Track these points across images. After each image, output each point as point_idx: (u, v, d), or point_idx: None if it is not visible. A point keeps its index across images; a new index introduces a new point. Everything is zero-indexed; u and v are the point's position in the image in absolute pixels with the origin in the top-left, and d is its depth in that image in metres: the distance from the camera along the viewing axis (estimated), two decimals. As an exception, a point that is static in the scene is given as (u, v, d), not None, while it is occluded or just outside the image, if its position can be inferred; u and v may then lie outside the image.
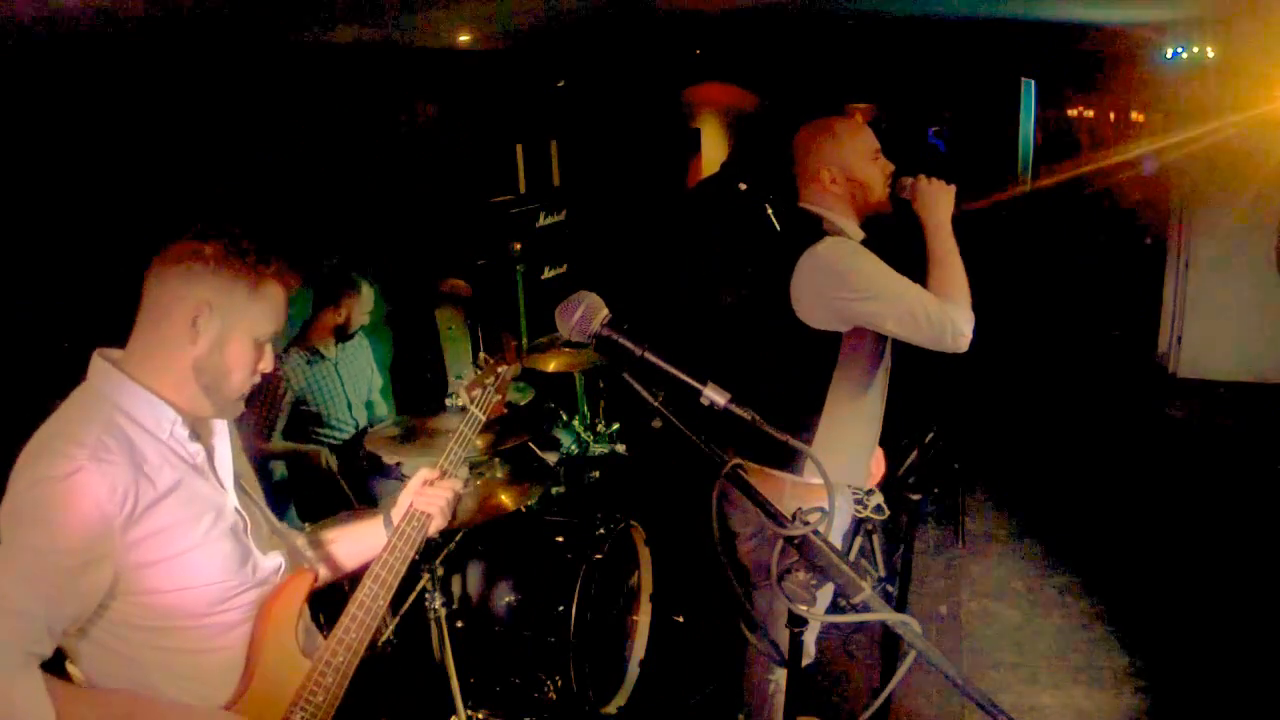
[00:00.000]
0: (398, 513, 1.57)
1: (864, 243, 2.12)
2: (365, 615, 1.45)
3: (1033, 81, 8.05)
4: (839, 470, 1.87)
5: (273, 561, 1.44)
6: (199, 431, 1.39)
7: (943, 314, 1.93)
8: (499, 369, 1.78)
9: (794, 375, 2.07)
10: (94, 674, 1.31)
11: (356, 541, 1.63)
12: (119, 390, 1.31)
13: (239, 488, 1.43)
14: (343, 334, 3.39)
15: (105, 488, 1.22)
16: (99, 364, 1.33)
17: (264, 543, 1.45)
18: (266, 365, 1.40)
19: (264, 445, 3.18)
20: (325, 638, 1.45)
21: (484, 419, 1.69)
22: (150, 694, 1.31)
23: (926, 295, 1.96)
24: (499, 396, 1.75)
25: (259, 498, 1.52)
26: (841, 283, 1.96)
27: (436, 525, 1.56)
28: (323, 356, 3.34)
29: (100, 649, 1.29)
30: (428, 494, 1.56)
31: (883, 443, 2.32)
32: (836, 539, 1.27)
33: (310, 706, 1.39)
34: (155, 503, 1.27)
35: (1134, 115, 8.64)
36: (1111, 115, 9.72)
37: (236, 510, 1.40)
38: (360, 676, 1.45)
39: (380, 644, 2.63)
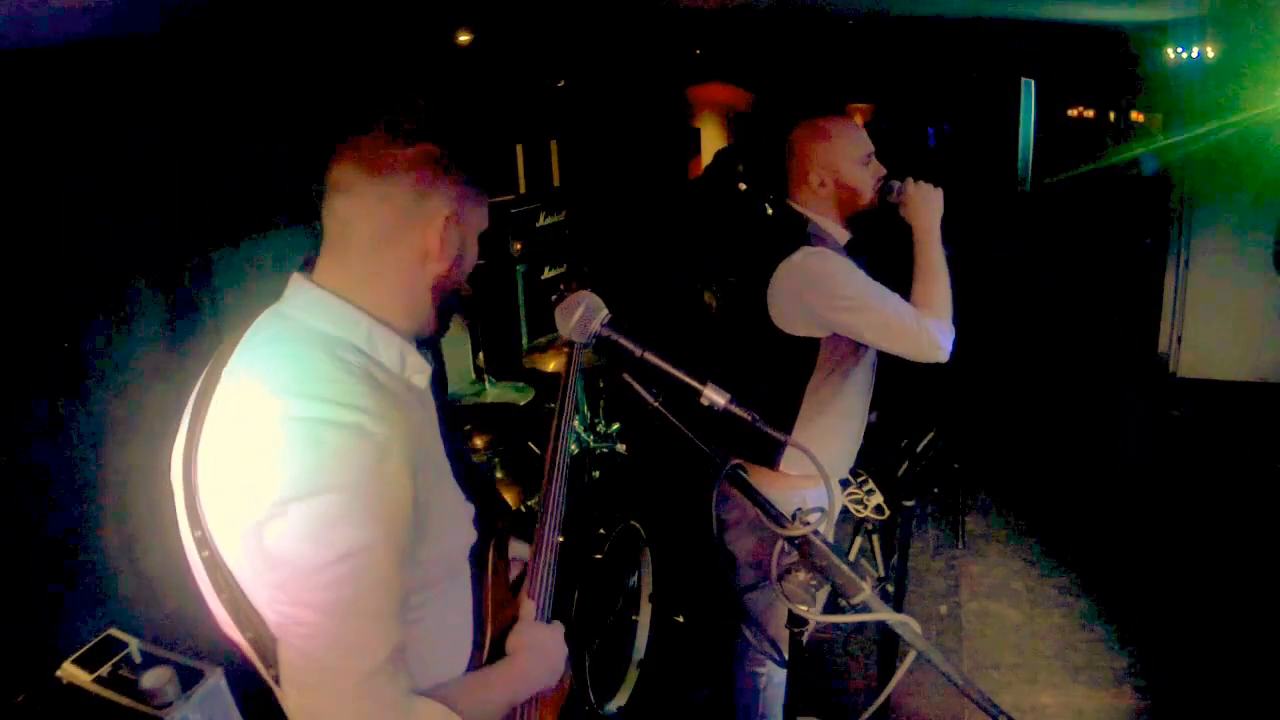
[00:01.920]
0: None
1: (850, 244, 2.13)
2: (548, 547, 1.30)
3: (1033, 81, 8.04)
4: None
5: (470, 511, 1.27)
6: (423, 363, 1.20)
7: (920, 325, 1.94)
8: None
9: (770, 376, 2.08)
10: None
11: None
12: (353, 329, 1.10)
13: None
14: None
15: (402, 455, 1.02)
16: (317, 294, 1.11)
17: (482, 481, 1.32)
18: (474, 258, 1.24)
19: None
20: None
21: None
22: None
23: (904, 306, 1.97)
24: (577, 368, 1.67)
25: None
26: (818, 291, 1.97)
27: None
28: None
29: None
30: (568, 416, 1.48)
31: (883, 444, 2.32)
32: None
33: (543, 591, 1.27)
34: (422, 454, 1.08)
35: (1134, 115, 8.64)
36: (1111, 115, 9.71)
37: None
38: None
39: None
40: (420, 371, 1.17)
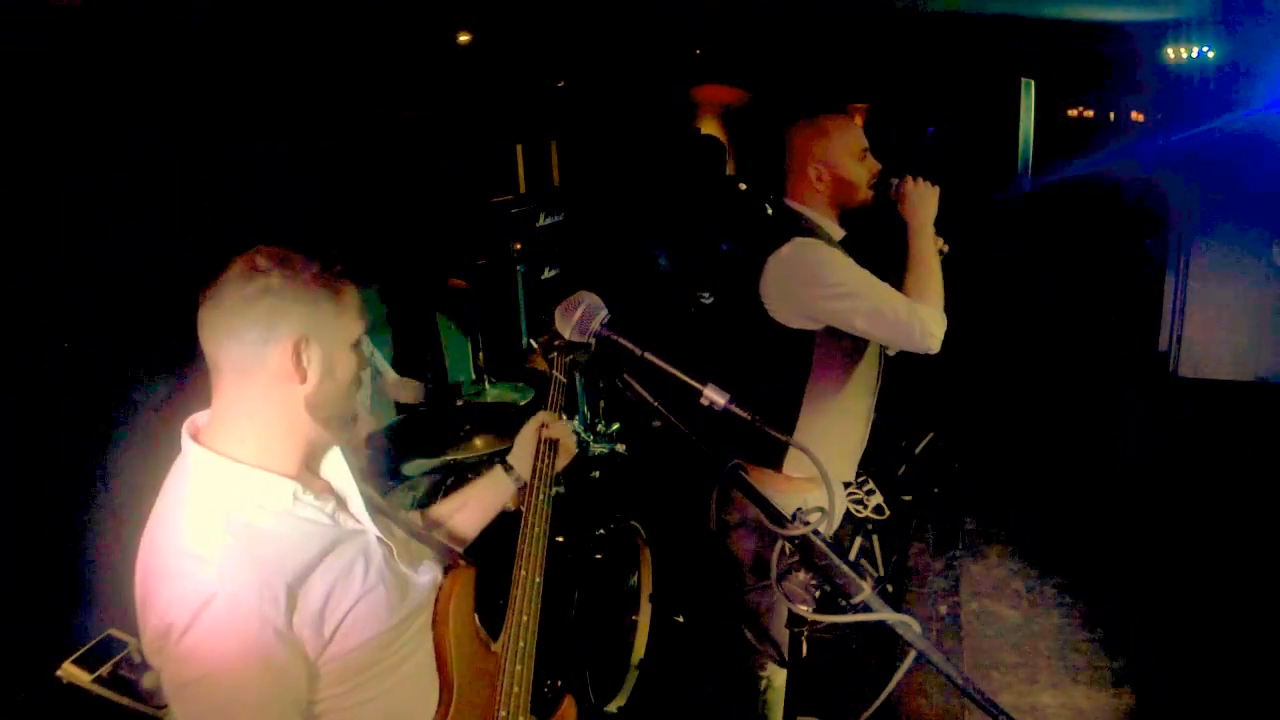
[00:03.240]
0: (520, 454, 1.63)
1: (844, 241, 2.13)
2: (530, 588, 1.44)
3: (1033, 81, 8.04)
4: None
5: (426, 575, 1.38)
6: (318, 478, 1.29)
7: (912, 313, 1.94)
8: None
9: (769, 375, 2.08)
10: None
11: (483, 496, 1.65)
12: (233, 482, 1.17)
13: (371, 510, 1.31)
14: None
15: (251, 599, 1.10)
16: (199, 454, 1.19)
17: (412, 556, 1.37)
18: (365, 365, 1.30)
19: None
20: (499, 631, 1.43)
21: (565, 381, 1.79)
22: None
23: (896, 294, 1.98)
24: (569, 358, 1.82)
25: (388, 505, 1.43)
26: (809, 281, 1.97)
27: (563, 461, 1.65)
28: None
29: None
30: (556, 426, 1.65)
31: (883, 444, 2.32)
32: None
33: (512, 702, 1.37)
34: (304, 580, 1.16)
35: (1134, 115, 8.64)
36: (1111, 115, 9.72)
37: (379, 540, 1.29)
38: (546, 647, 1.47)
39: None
40: (315, 505, 1.22)
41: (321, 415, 1.21)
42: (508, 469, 1.65)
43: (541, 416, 1.68)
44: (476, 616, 1.46)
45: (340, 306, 1.21)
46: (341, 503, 1.28)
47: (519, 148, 6.57)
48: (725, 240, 4.17)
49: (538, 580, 1.47)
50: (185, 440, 1.20)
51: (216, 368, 1.18)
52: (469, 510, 1.65)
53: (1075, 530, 3.98)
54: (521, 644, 1.40)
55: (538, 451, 1.62)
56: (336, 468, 1.30)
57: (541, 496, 1.55)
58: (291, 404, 1.19)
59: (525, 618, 1.43)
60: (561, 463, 1.65)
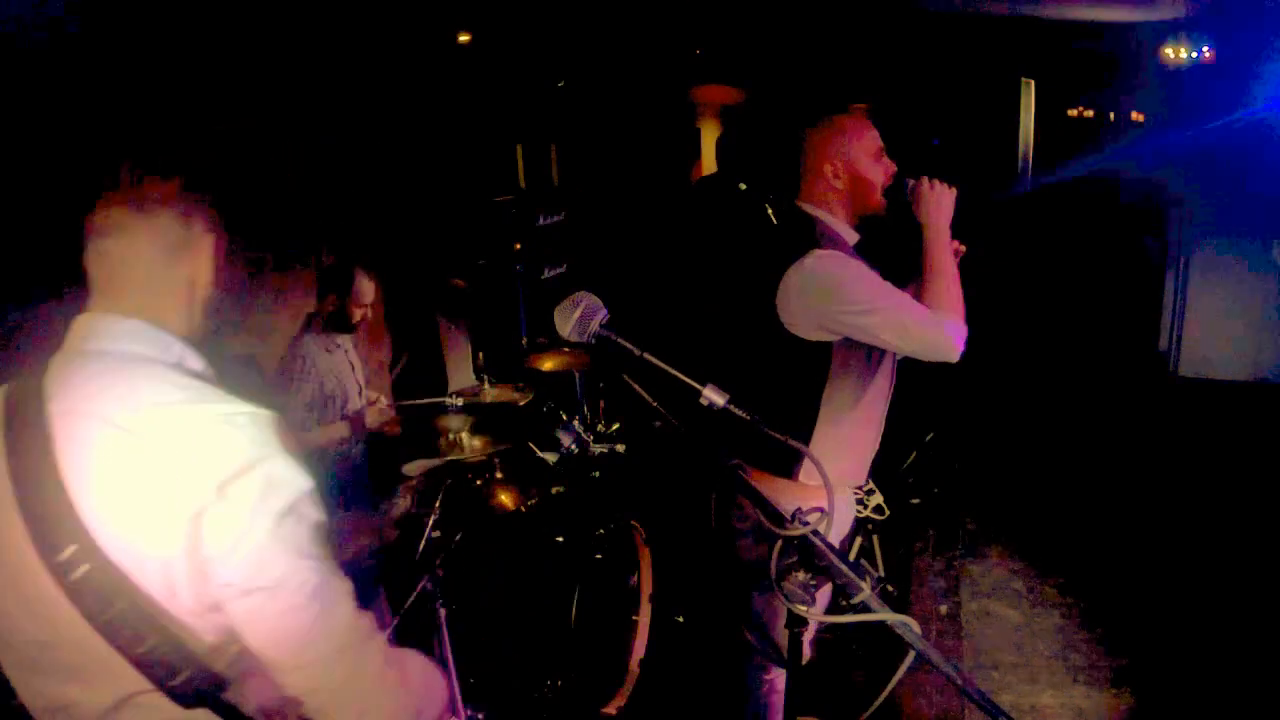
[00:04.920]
0: None
1: (858, 245, 2.10)
2: None
3: (1033, 81, 8.04)
4: (837, 475, 1.86)
5: None
6: None
7: (935, 325, 1.92)
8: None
9: (786, 386, 2.05)
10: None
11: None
12: (175, 351, 1.19)
13: None
14: (344, 325, 3.39)
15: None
16: (127, 325, 1.16)
17: None
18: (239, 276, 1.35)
19: (301, 435, 3.18)
20: None
21: None
22: None
23: (919, 306, 1.94)
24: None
25: None
26: (832, 296, 1.94)
27: None
28: (337, 344, 3.35)
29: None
30: None
31: (883, 443, 2.31)
32: (835, 541, 1.27)
33: None
34: None
35: (1134, 115, 8.64)
36: (1111, 115, 9.72)
37: None
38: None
39: None
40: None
41: (214, 312, 1.25)
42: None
43: None
44: None
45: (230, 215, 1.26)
46: None
47: (519, 148, 6.57)
48: (734, 244, 4.16)
49: None
50: (95, 320, 1.16)
51: (125, 264, 1.18)
52: None
53: (1075, 530, 3.98)
54: None
55: None
56: None
57: None
58: (197, 300, 1.23)
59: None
60: None
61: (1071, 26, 5.07)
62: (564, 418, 3.31)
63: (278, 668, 1.08)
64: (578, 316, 1.24)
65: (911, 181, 2.08)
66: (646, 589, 3.11)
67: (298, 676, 1.09)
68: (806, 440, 2.03)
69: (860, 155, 2.06)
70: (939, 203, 2.04)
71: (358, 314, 3.41)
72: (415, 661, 1.27)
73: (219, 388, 1.16)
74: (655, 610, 3.14)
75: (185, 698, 1.05)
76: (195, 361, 1.20)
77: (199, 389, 1.12)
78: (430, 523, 2.49)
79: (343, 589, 1.11)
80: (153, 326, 1.16)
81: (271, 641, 1.06)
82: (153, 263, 1.17)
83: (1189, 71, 5.38)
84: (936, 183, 2.07)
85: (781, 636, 1.35)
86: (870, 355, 2.05)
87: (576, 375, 3.56)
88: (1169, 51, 5.18)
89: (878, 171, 2.08)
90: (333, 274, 3.35)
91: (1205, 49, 4.87)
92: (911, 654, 1.15)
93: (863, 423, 2.13)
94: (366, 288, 3.40)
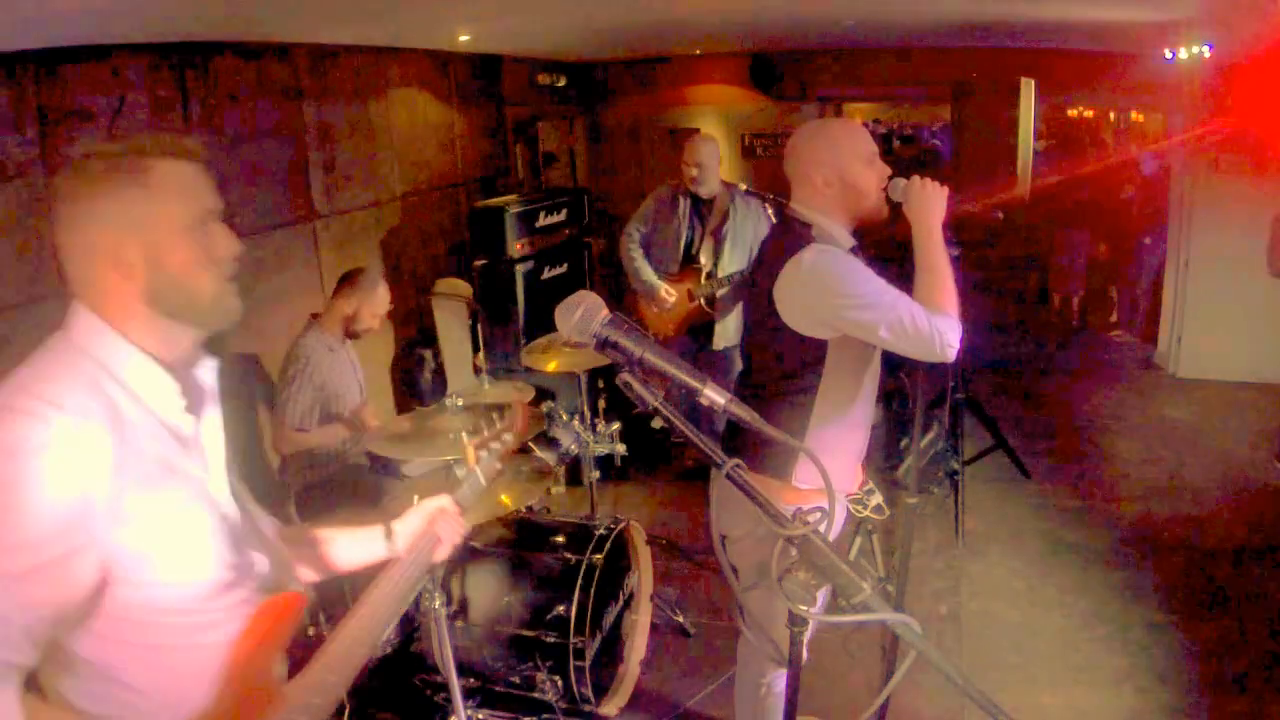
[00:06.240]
0: (405, 530, 1.54)
1: (852, 250, 2.09)
2: (360, 647, 1.33)
3: (1033, 81, 8.04)
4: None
5: (263, 562, 1.30)
6: (189, 401, 1.20)
7: (930, 324, 1.91)
8: (504, 436, 1.77)
9: (781, 384, 2.06)
10: (58, 669, 1.13)
11: (353, 545, 1.54)
12: (106, 346, 1.12)
13: (230, 472, 1.28)
14: (355, 332, 3.39)
15: (88, 459, 1.03)
16: (81, 313, 1.13)
17: (255, 540, 1.32)
18: (228, 245, 1.19)
19: (300, 434, 3.18)
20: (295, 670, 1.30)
21: (484, 484, 1.69)
22: (120, 691, 1.14)
23: (915, 305, 1.94)
24: (499, 466, 1.74)
25: (244, 489, 1.37)
26: (829, 290, 1.94)
27: (443, 554, 1.56)
28: (339, 344, 3.35)
29: (70, 642, 1.10)
30: (451, 522, 1.56)
31: (884, 442, 2.31)
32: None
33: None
34: (145, 479, 1.09)
35: (1134, 115, 8.64)
36: (1111, 115, 9.72)
37: (230, 497, 1.26)
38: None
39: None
40: (168, 396, 1.16)
41: (167, 307, 1.15)
42: (388, 534, 1.54)
43: (442, 503, 1.58)
44: (282, 653, 1.30)
45: (151, 191, 1.12)
46: (198, 434, 1.22)
47: (519, 148, 6.57)
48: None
49: (361, 651, 1.35)
50: (74, 305, 1.14)
51: (67, 258, 1.13)
52: (335, 546, 1.54)
53: (1076, 530, 3.98)
54: (318, 700, 1.27)
55: (421, 539, 1.52)
56: (211, 408, 1.26)
57: (400, 586, 1.45)
58: (135, 301, 1.13)
59: (333, 678, 1.30)
60: (440, 556, 1.55)
61: (1072, 26, 5.07)
62: (564, 418, 3.30)
63: None
64: (578, 316, 1.24)
65: (903, 181, 2.07)
66: (646, 589, 3.11)
67: None
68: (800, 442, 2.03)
69: (849, 160, 2.05)
70: (930, 201, 2.04)
71: (374, 322, 3.40)
72: None
73: (100, 392, 1.09)
74: (655, 610, 3.14)
75: None
76: (133, 373, 1.14)
77: (41, 383, 1.07)
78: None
79: None
80: (102, 324, 1.14)
81: None
82: (77, 262, 1.15)
83: (1189, 71, 5.38)
84: (928, 181, 2.06)
85: (781, 636, 1.35)
86: (862, 356, 2.05)
87: (579, 376, 3.56)
88: (1169, 51, 5.18)
89: (870, 176, 2.07)
90: (353, 281, 3.35)
91: (1206, 49, 4.87)
92: (911, 654, 1.15)
93: (853, 426, 2.14)
94: (384, 297, 3.40)
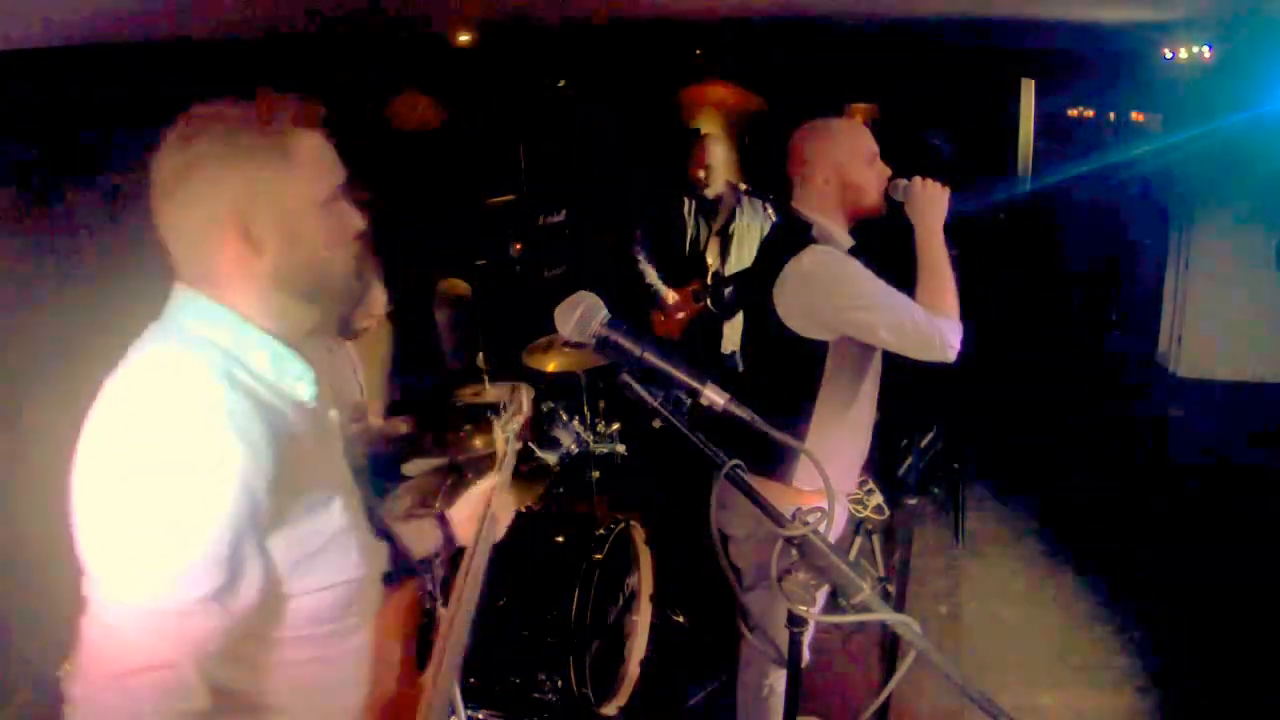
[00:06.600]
0: (460, 515, 1.57)
1: (851, 250, 2.09)
2: (456, 638, 1.32)
3: (1033, 81, 8.03)
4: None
5: (384, 551, 1.23)
6: (320, 388, 1.12)
7: (931, 325, 1.92)
8: (517, 417, 1.86)
9: (781, 386, 2.06)
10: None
11: (417, 537, 1.53)
12: (231, 332, 1.02)
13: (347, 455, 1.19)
14: (348, 333, 3.38)
15: (250, 464, 0.93)
16: (191, 297, 1.03)
17: (378, 525, 1.26)
18: (358, 222, 1.10)
19: None
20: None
21: (514, 462, 1.80)
22: (269, 711, 1.07)
23: (915, 306, 1.94)
24: (519, 444, 1.86)
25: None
26: (830, 292, 1.94)
27: (502, 530, 1.60)
28: (340, 344, 3.34)
29: (219, 665, 0.99)
30: (505, 499, 1.60)
31: (884, 442, 2.31)
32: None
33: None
34: (293, 481, 1.00)
35: (1134, 115, 8.62)
36: (1111, 115, 9.70)
37: (354, 482, 1.18)
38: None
39: None
40: (300, 379, 1.09)
41: (298, 289, 1.06)
42: (442, 522, 1.54)
43: (493, 483, 1.61)
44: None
45: (292, 163, 1.03)
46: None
47: (519, 148, 6.56)
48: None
49: (464, 640, 1.34)
50: (178, 290, 1.05)
51: (170, 244, 1.04)
52: (401, 540, 1.52)
53: (1076, 530, 3.98)
54: (443, 683, 1.26)
55: (483, 520, 1.54)
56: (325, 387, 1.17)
57: (480, 564, 1.48)
58: (260, 279, 1.04)
59: (449, 663, 1.28)
60: (500, 532, 1.60)
61: (1072, 27, 5.08)
62: (564, 418, 3.31)
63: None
64: (578, 316, 1.24)
65: (904, 182, 2.08)
66: (646, 589, 3.11)
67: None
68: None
69: (849, 160, 2.05)
70: (931, 202, 2.04)
71: (369, 323, 3.39)
72: None
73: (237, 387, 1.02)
74: (655, 610, 3.14)
75: None
76: (257, 354, 1.06)
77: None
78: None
79: None
80: (214, 303, 1.06)
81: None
82: (194, 241, 1.06)
83: (1189, 71, 5.37)
84: (929, 182, 2.06)
85: (781, 636, 1.35)
86: (862, 358, 2.05)
87: (581, 375, 3.56)
88: (1169, 51, 5.18)
89: (870, 176, 2.07)
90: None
91: (1206, 49, 4.87)
92: (911, 654, 1.15)
93: (853, 428, 2.13)
94: (379, 299, 3.39)
